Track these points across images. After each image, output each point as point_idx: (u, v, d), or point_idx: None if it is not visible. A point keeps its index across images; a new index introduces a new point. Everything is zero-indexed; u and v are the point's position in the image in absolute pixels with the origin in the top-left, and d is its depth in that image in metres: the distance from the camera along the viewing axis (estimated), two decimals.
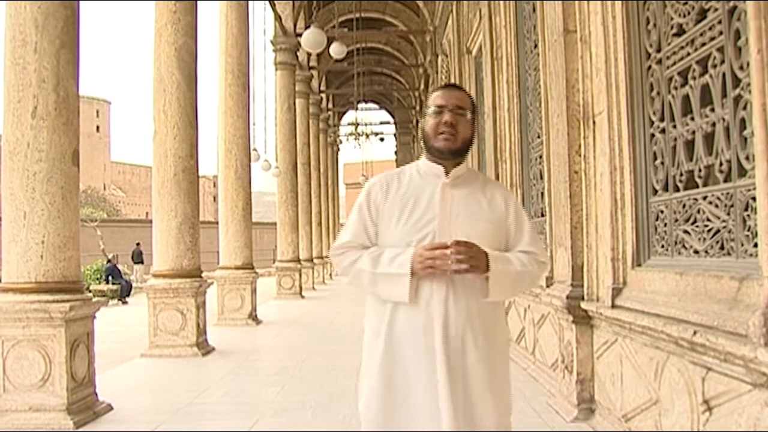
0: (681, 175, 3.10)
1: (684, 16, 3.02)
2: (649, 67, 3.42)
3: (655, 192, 3.39)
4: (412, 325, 1.89)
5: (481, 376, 1.89)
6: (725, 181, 2.69)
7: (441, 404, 1.84)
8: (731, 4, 2.59)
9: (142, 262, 24.51)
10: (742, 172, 2.56)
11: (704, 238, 2.87)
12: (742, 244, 2.56)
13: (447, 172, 1.99)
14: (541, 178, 5.52)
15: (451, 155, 1.97)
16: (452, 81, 13.77)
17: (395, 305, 1.91)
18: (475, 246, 1.85)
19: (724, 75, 2.65)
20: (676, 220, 3.14)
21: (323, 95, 22.73)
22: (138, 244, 25.47)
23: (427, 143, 2.00)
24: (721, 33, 2.68)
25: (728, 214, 2.68)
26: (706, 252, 2.85)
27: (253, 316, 9.52)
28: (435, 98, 2.00)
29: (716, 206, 2.77)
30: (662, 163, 3.30)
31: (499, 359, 1.97)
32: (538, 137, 5.61)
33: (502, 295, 1.96)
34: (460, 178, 2.00)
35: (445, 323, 1.87)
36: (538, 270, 2.02)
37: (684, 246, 3.07)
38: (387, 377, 1.91)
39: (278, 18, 14.43)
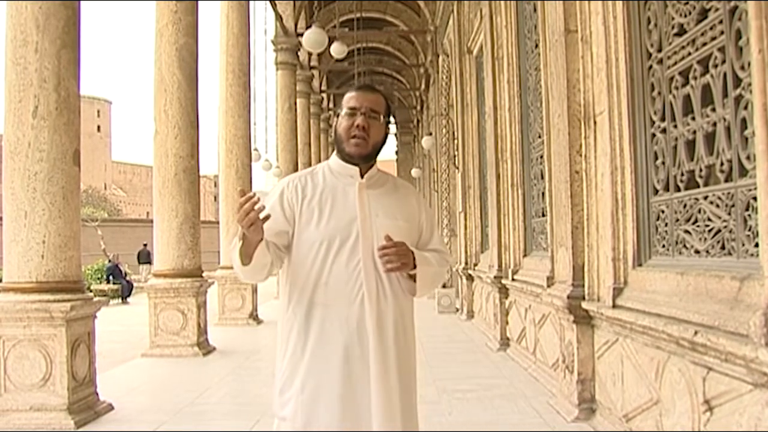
0: (682, 174, 3.10)
1: (685, 15, 3.02)
2: (650, 66, 3.42)
3: (656, 192, 3.39)
4: (344, 325, 1.87)
5: (404, 373, 1.92)
6: (726, 180, 2.69)
7: (373, 403, 1.83)
8: (732, 4, 2.59)
9: (149, 263, 24.61)
10: (743, 172, 2.56)
11: (705, 238, 2.87)
12: (743, 244, 2.56)
13: (361, 173, 2.00)
14: (542, 178, 5.52)
15: (362, 160, 1.98)
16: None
17: (319, 305, 1.89)
18: (404, 245, 1.88)
19: (725, 75, 2.65)
20: (677, 220, 3.14)
21: (324, 95, 22.70)
22: (145, 245, 25.63)
23: (339, 145, 1.99)
24: (722, 33, 2.68)
25: (729, 213, 2.67)
26: (707, 252, 2.85)
27: (254, 316, 9.52)
28: (349, 100, 1.97)
29: (717, 206, 2.77)
30: (663, 162, 3.30)
31: (413, 356, 2.02)
32: (539, 137, 5.61)
33: (424, 292, 2.01)
34: (373, 178, 2.01)
35: (378, 321, 1.88)
36: (446, 268, 2.10)
37: (685, 246, 3.07)
38: (317, 379, 1.87)
39: (279, 18, 14.43)
